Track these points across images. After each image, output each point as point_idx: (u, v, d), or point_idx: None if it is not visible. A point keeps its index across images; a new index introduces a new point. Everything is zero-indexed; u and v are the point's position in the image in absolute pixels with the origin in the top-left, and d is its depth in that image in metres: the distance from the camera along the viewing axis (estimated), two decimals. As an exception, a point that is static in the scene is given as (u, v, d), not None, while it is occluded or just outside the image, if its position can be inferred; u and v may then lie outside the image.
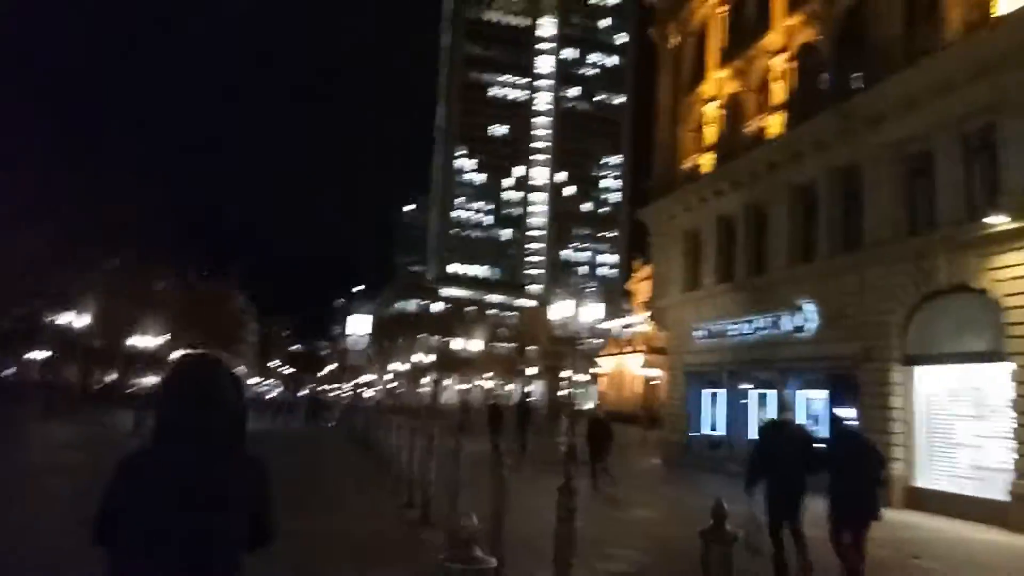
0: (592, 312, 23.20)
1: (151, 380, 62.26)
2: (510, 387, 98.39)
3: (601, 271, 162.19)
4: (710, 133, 24.51)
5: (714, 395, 23.94)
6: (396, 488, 12.88)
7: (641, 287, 63.84)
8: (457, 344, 42.69)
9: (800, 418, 19.74)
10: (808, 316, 19.04)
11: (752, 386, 21.99)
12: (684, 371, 24.95)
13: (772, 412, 21.15)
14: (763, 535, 7.41)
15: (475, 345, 42.16)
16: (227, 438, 2.00)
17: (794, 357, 19.56)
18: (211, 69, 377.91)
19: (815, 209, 19.40)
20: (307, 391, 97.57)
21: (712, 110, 24.48)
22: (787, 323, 19.78)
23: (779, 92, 21.08)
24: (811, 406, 19.54)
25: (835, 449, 8.02)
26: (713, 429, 23.89)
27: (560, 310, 23.17)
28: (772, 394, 21.05)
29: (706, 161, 24.44)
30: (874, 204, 17.11)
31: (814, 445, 8.19)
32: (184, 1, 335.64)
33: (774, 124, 20.83)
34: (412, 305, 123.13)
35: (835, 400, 18.42)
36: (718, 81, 24.43)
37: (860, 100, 16.98)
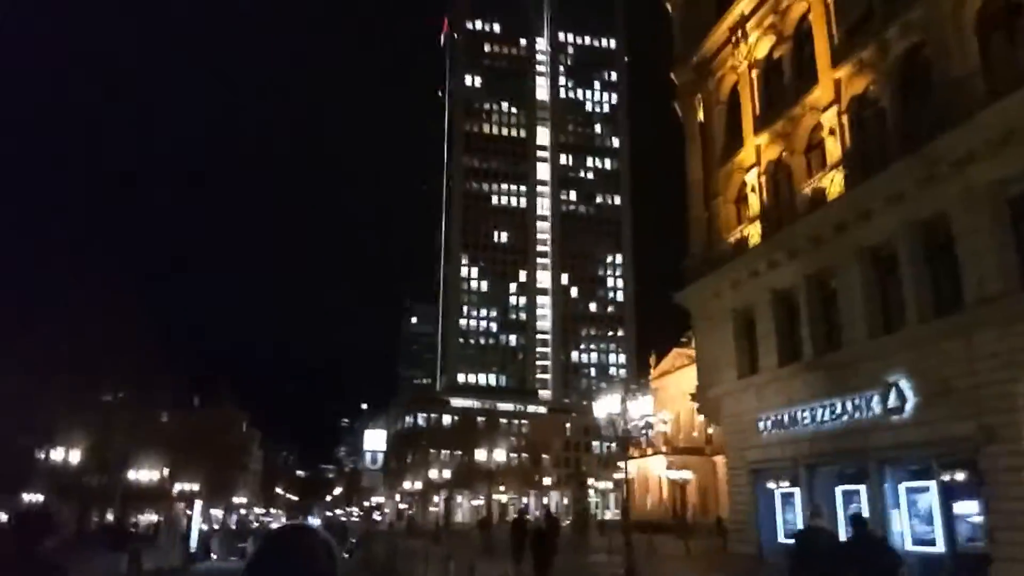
0: (642, 407, 20.42)
1: (152, 518, 58.56)
2: (525, 500, 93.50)
3: (611, 371, 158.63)
4: (754, 203, 22.54)
5: (788, 496, 20.80)
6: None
7: (666, 382, 60.69)
8: (480, 455, 39.27)
9: (905, 517, 16.73)
10: (903, 394, 16.32)
11: (837, 482, 18.95)
12: (749, 469, 21.89)
13: (864, 510, 18.12)
14: None
15: (499, 455, 38.80)
16: None
17: (891, 444, 16.68)
18: (209, 199, 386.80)
19: (894, 270, 17.06)
20: (318, 519, 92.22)
21: (753, 178, 22.62)
22: (876, 404, 17.02)
23: (833, 149, 19.20)
24: (916, 504, 16.49)
25: (859, 549, 8.48)
26: (789, 536, 20.59)
27: (606, 406, 20.36)
28: (863, 489, 18.06)
29: (753, 233, 22.35)
30: (973, 256, 14.78)
31: (842, 549, 8.70)
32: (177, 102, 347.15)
33: (832, 184, 18.82)
34: (421, 419, 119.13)
35: (950, 493, 15.45)
36: (756, 148, 22.70)
37: (945, 141, 14.92)
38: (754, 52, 23.29)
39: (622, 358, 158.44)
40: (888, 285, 17.37)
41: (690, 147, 27.02)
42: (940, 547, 15.46)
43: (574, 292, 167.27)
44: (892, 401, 16.47)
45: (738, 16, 23.87)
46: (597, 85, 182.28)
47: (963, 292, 15.02)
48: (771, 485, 21.31)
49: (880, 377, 16.79)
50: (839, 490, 18.82)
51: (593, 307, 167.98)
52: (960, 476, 15.19)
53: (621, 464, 72.42)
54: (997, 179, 14.30)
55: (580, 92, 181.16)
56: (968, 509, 15.04)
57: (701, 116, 26.61)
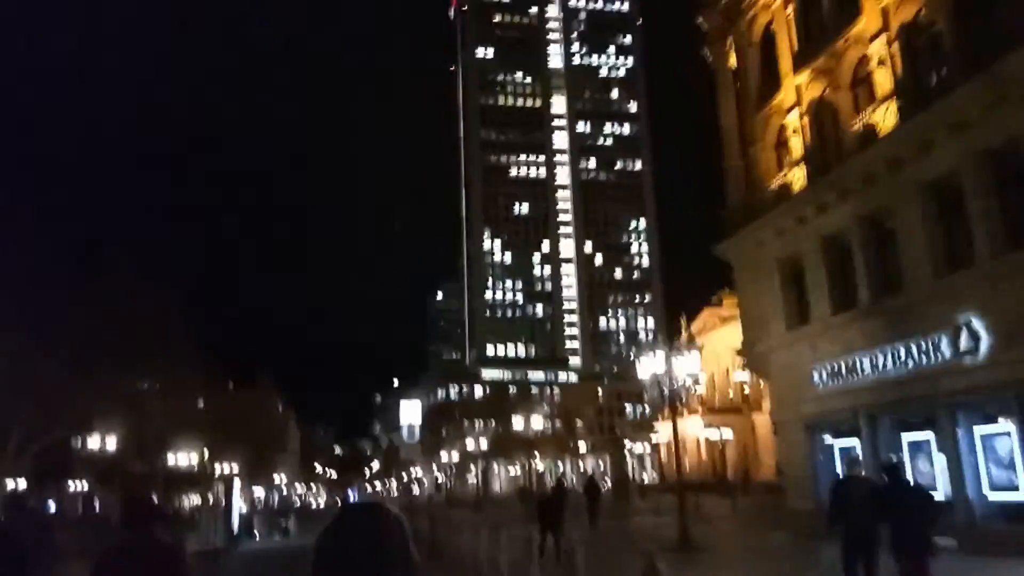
0: (688, 364, 19.60)
1: (195, 500, 59.30)
2: (561, 466, 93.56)
3: (640, 336, 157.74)
4: (796, 146, 21.39)
5: (848, 448, 19.90)
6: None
7: (710, 339, 59.79)
8: (516, 424, 38.82)
9: (981, 462, 15.84)
10: (976, 334, 15.32)
11: (902, 431, 18.06)
12: (804, 423, 21.02)
13: (934, 458, 17.24)
14: None
15: (536, 423, 38.31)
16: None
17: (963, 388, 15.70)
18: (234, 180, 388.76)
19: (959, 204, 15.96)
20: (356, 493, 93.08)
21: (795, 120, 21.45)
22: (946, 347, 16.04)
23: (883, 81, 18.00)
24: (993, 449, 15.55)
25: (893, 495, 8.79)
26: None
27: (650, 366, 19.58)
28: (932, 437, 17.16)
29: (797, 177, 21.24)
30: (1052, 182, 13.67)
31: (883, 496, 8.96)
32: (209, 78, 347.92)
33: (885, 117, 17.65)
34: (453, 392, 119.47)
35: (1034, 435, 14.49)
36: (796, 88, 21.50)
37: (1018, 56, 13.70)
38: (789, -14, 22.00)
39: (650, 322, 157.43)
40: (953, 220, 16.28)
41: (722, 95, 25.83)
42: (1023, 493, 14.57)
43: (598, 259, 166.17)
44: (964, 342, 15.48)
45: (770, -51, 22.56)
46: (611, 50, 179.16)
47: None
48: (828, 438, 20.45)
49: (949, 318, 15.79)
50: (905, 438, 17.94)
51: (618, 273, 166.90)
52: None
53: (656, 427, 71.77)
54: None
55: (594, 58, 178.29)
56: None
57: (733, 61, 25.38)
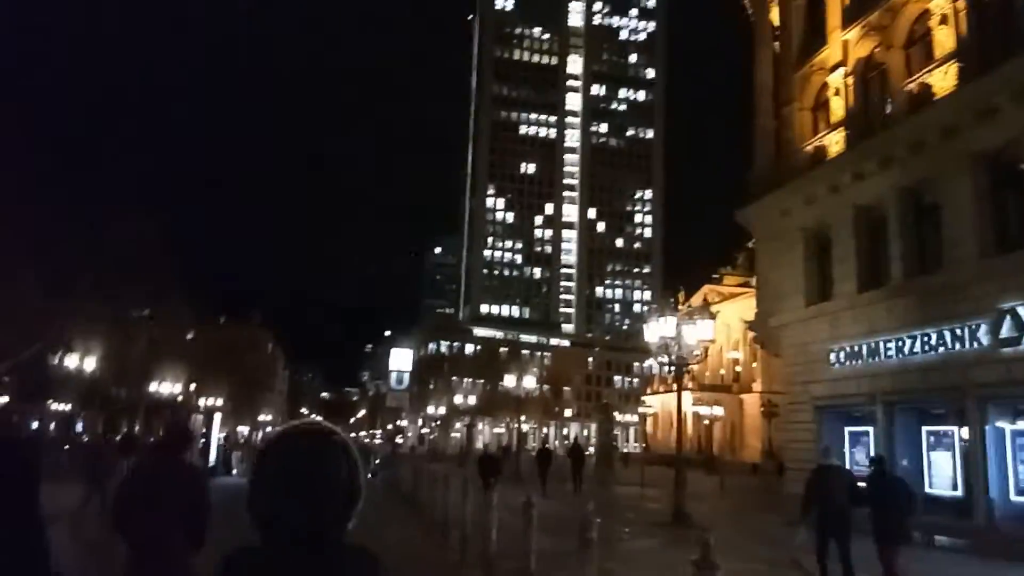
0: (701, 331, 18.33)
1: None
2: (546, 430, 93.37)
3: (636, 308, 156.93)
4: (837, 108, 19.84)
5: (860, 435, 18.81)
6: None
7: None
8: (510, 382, 37.82)
9: (1011, 462, 14.72)
10: (1021, 322, 14.03)
11: (922, 422, 16.91)
12: (814, 406, 19.86)
13: (956, 451, 16.13)
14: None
15: (529, 383, 37.26)
16: (340, 528, 1.64)
17: (999, 380, 14.47)
18: (239, 104, 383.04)
19: (1019, 180, 14.55)
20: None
21: (838, 80, 19.86)
22: (984, 334, 14.76)
23: (945, 40, 16.42)
24: (1024, 446, 14.39)
25: (874, 486, 9.33)
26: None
27: (658, 330, 18.32)
28: (955, 430, 16.00)
29: (834, 141, 19.73)
30: None
31: (857, 484, 9.73)
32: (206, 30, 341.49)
33: (945, 78, 16.11)
34: (444, 347, 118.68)
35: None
36: (843, 44, 19.87)
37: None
38: (845, -66, 20.22)
39: (647, 295, 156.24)
40: (1008, 198, 14.89)
41: (760, 51, 24.17)
42: (1053, 498, 13.46)
43: (601, 227, 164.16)
44: (1006, 330, 14.20)
45: None
46: (634, 12, 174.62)
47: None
48: (839, 422, 19.32)
49: (991, 303, 14.49)
50: (925, 430, 16.80)
51: (620, 242, 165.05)
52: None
53: (644, 399, 71.57)
54: None
55: (615, 19, 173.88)
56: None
57: (775, 15, 23.66)
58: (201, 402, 57.12)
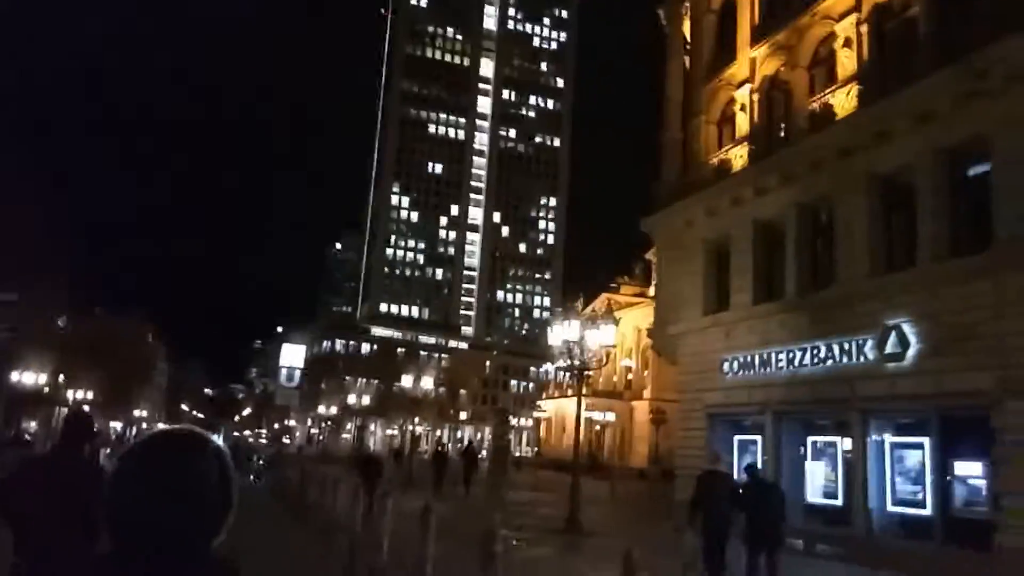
0: (604, 336, 18.20)
1: (34, 425, 54.33)
2: (439, 432, 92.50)
3: (535, 313, 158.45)
4: (742, 123, 20.22)
5: (748, 443, 19.15)
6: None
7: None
8: (407, 382, 36.90)
9: (888, 474, 15.21)
10: (905, 339, 14.54)
11: (808, 432, 17.34)
12: (707, 413, 20.12)
13: (839, 463, 16.59)
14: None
15: (426, 384, 36.44)
16: (205, 540, 1.51)
17: (882, 394, 14.96)
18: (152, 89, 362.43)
19: (909, 201, 15.10)
20: (223, 438, 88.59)
21: (744, 95, 20.25)
22: (870, 349, 15.23)
23: (847, 63, 16.94)
24: (903, 461, 14.90)
25: (749, 491, 10.12)
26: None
27: (562, 333, 18.05)
28: (839, 441, 16.47)
29: (738, 155, 20.09)
30: (1014, 187, 12.85)
31: (737, 491, 10.37)
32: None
33: (846, 100, 16.60)
34: (340, 345, 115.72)
35: (950, 451, 13.85)
36: (751, 61, 20.28)
37: (1004, 46, 12.70)
38: (756, -46, 20.68)
39: (547, 300, 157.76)
40: (898, 219, 15.45)
41: (671, 64, 24.43)
42: (928, 510, 13.94)
43: (505, 231, 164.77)
44: (891, 346, 14.68)
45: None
46: (547, 21, 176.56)
47: (994, 228, 13.12)
48: (730, 431, 19.63)
49: (878, 320, 14.97)
50: (810, 440, 17.24)
51: (523, 248, 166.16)
52: (964, 433, 13.60)
53: (539, 403, 71.97)
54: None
55: (529, 26, 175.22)
56: (969, 471, 13.50)
57: (687, 28, 24.01)
58: (69, 394, 53.07)
